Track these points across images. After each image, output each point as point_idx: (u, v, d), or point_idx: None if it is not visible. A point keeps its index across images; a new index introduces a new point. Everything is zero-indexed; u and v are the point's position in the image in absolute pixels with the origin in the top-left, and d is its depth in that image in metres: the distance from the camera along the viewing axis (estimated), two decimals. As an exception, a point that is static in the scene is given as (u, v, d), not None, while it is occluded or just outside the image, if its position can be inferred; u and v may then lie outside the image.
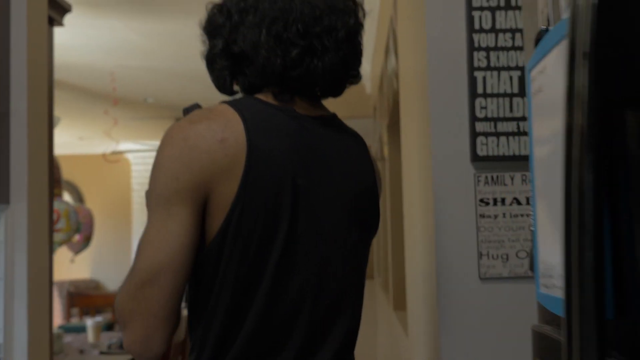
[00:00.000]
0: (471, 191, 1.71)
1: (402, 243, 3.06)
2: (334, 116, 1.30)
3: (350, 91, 1.29)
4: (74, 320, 5.54)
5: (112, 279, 11.02)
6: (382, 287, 4.47)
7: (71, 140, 9.84)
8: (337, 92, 1.28)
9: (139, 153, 10.25)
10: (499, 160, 1.70)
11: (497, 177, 1.71)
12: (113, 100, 5.87)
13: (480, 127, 1.69)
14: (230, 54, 1.23)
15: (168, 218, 1.12)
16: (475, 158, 1.70)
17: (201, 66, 1.29)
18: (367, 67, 5.66)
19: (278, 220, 1.15)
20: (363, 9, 1.27)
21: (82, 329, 4.56)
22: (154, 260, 1.11)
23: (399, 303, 3.37)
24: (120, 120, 7.69)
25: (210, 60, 1.26)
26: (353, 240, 1.25)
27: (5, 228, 2.02)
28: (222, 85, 1.26)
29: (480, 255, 1.70)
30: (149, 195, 1.17)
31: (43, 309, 2.19)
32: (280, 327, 1.18)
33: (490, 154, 1.69)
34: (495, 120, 1.70)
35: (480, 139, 1.69)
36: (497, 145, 1.69)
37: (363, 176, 1.29)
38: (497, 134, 1.69)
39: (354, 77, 1.29)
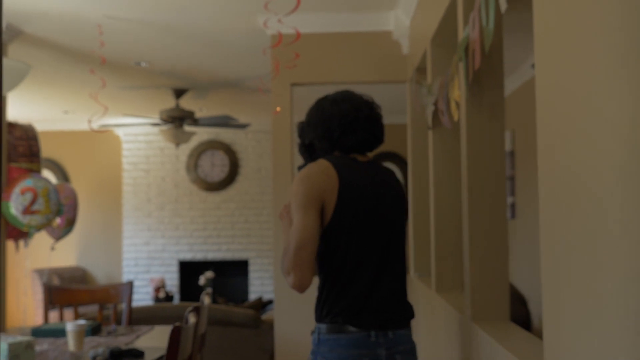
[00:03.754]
0: None
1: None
2: (374, 159, 2.47)
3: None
4: (55, 319, 4.63)
5: (101, 267, 9.96)
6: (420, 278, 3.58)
7: (55, 114, 8.87)
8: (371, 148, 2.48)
9: (129, 128, 9.26)
10: None
11: None
12: (101, 57, 4.92)
13: None
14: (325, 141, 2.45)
15: (306, 215, 2.24)
16: None
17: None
18: (406, 22, 4.74)
19: (359, 214, 2.29)
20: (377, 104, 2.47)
21: (62, 333, 3.66)
22: (302, 236, 2.22)
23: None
24: (108, 89, 6.73)
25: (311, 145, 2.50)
26: (401, 224, 2.43)
27: None
28: (322, 155, 2.43)
29: None
30: (294, 205, 2.28)
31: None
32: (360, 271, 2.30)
33: None
34: None
35: None
36: None
37: (399, 187, 2.47)
38: None
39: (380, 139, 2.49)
